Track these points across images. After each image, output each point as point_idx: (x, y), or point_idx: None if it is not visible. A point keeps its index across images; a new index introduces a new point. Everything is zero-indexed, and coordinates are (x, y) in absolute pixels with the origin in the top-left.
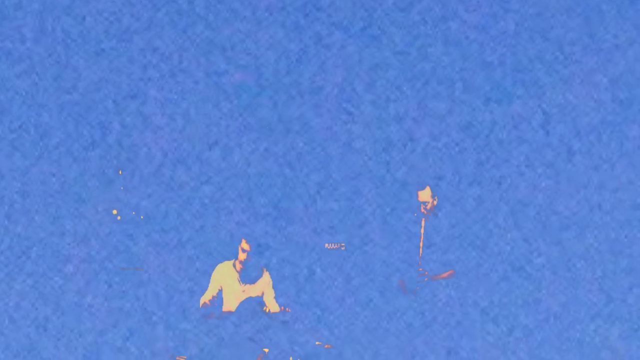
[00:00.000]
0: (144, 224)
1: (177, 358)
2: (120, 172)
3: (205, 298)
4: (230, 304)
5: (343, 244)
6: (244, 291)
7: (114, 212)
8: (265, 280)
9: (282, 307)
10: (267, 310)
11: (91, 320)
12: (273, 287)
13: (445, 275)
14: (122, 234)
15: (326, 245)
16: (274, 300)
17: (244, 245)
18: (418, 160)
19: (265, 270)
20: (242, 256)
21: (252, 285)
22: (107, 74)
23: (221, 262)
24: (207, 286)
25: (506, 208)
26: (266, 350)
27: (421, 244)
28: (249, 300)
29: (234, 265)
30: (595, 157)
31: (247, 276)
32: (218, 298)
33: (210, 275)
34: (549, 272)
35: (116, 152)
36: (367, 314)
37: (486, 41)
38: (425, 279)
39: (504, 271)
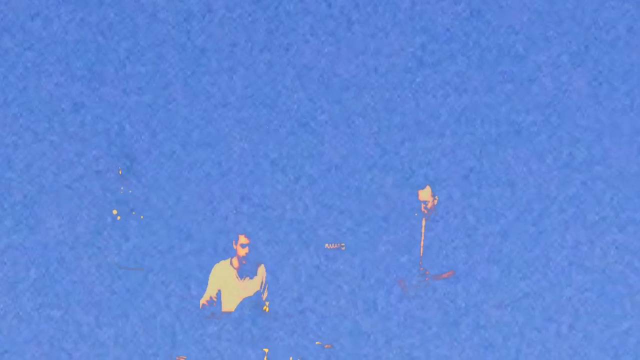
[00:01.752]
0: (144, 224)
1: (177, 358)
2: (120, 172)
3: (204, 299)
4: (229, 304)
5: (343, 244)
6: (242, 288)
7: (114, 212)
8: (263, 274)
9: (267, 302)
10: (267, 310)
11: (91, 320)
12: (273, 287)
13: (445, 275)
14: (122, 234)
15: (326, 245)
16: (266, 292)
17: (243, 239)
18: (418, 160)
19: (262, 265)
20: (241, 252)
21: (251, 280)
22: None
23: (219, 262)
24: (206, 286)
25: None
26: (266, 350)
27: (421, 244)
28: (249, 300)
29: (231, 263)
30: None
31: (245, 272)
32: (217, 298)
33: (208, 274)
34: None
35: (116, 152)
36: (367, 314)
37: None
38: (426, 279)
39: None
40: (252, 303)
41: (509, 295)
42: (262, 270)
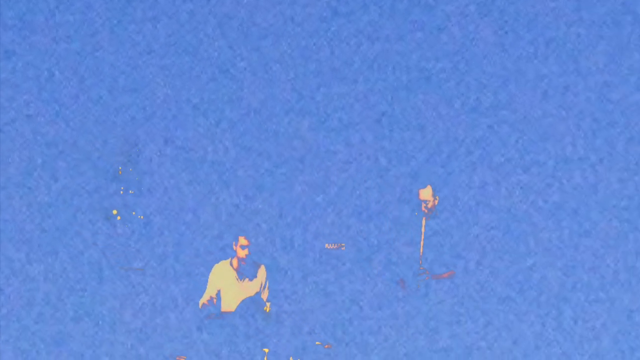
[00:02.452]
0: (144, 224)
1: (177, 358)
2: (120, 172)
3: (204, 299)
4: (229, 304)
5: (343, 244)
6: (242, 288)
7: (114, 212)
8: (263, 274)
9: (268, 302)
10: (268, 310)
11: (91, 320)
12: (273, 287)
13: (445, 275)
14: (122, 234)
15: (326, 245)
16: (267, 291)
17: (243, 241)
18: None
19: (262, 265)
20: (241, 253)
21: (251, 281)
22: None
23: (218, 262)
24: (206, 286)
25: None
26: (266, 350)
27: (422, 243)
28: (249, 299)
29: (231, 264)
30: None
31: (245, 273)
32: (217, 299)
33: (208, 274)
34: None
35: (116, 151)
36: (367, 314)
37: (484, 41)
38: (426, 278)
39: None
40: (252, 303)
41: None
42: (262, 271)
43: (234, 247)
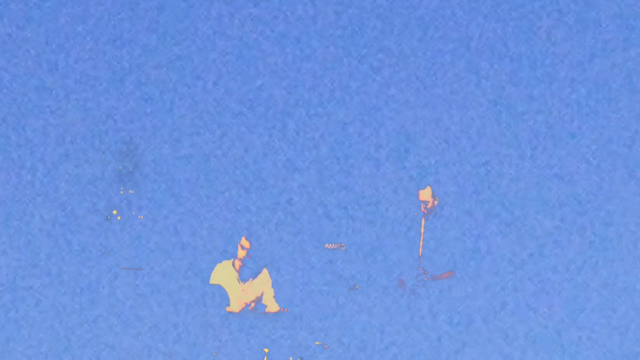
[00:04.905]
0: (144, 224)
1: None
2: (120, 171)
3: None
4: (231, 304)
5: (343, 244)
6: (243, 290)
7: (114, 212)
8: (265, 278)
9: (282, 308)
10: (274, 311)
11: (91, 320)
12: (273, 287)
13: (444, 275)
14: (122, 234)
15: (326, 245)
16: (274, 300)
17: (244, 242)
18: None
19: (264, 269)
20: (241, 254)
21: (252, 283)
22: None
23: (220, 261)
24: (207, 286)
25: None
26: (266, 350)
27: (421, 244)
28: (249, 300)
29: (233, 265)
30: None
31: (247, 275)
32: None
33: (210, 274)
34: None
35: (116, 151)
36: (367, 314)
37: (485, 41)
38: (425, 279)
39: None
40: (253, 304)
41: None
42: (264, 274)
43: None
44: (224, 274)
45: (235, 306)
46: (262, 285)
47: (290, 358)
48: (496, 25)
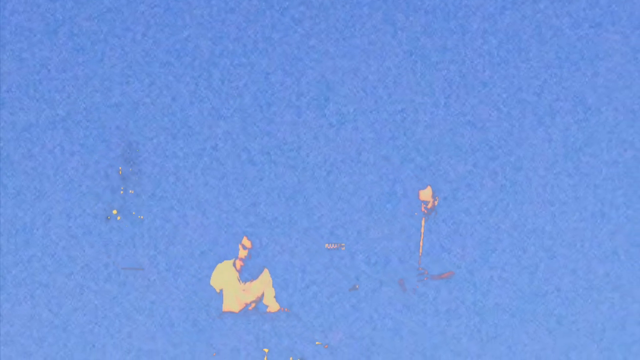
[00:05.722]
0: (144, 224)
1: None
2: (120, 171)
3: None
4: (230, 304)
5: (343, 244)
6: (244, 290)
7: (114, 212)
8: (265, 279)
9: (282, 308)
10: (274, 311)
11: (91, 321)
12: (273, 287)
13: (444, 275)
14: (122, 234)
15: (326, 245)
16: (274, 300)
17: (245, 242)
18: (418, 159)
19: (265, 269)
20: (242, 253)
21: (252, 284)
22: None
23: (221, 261)
24: (208, 286)
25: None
26: (266, 350)
27: (421, 244)
28: (249, 300)
29: (234, 265)
30: None
31: (247, 275)
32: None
33: (210, 274)
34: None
35: (116, 151)
36: (367, 313)
37: (486, 41)
38: (425, 279)
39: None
40: (253, 304)
41: (508, 295)
42: (265, 275)
43: (240, 249)
44: (224, 274)
45: (235, 306)
46: (263, 285)
47: (291, 358)
48: (502, 28)
